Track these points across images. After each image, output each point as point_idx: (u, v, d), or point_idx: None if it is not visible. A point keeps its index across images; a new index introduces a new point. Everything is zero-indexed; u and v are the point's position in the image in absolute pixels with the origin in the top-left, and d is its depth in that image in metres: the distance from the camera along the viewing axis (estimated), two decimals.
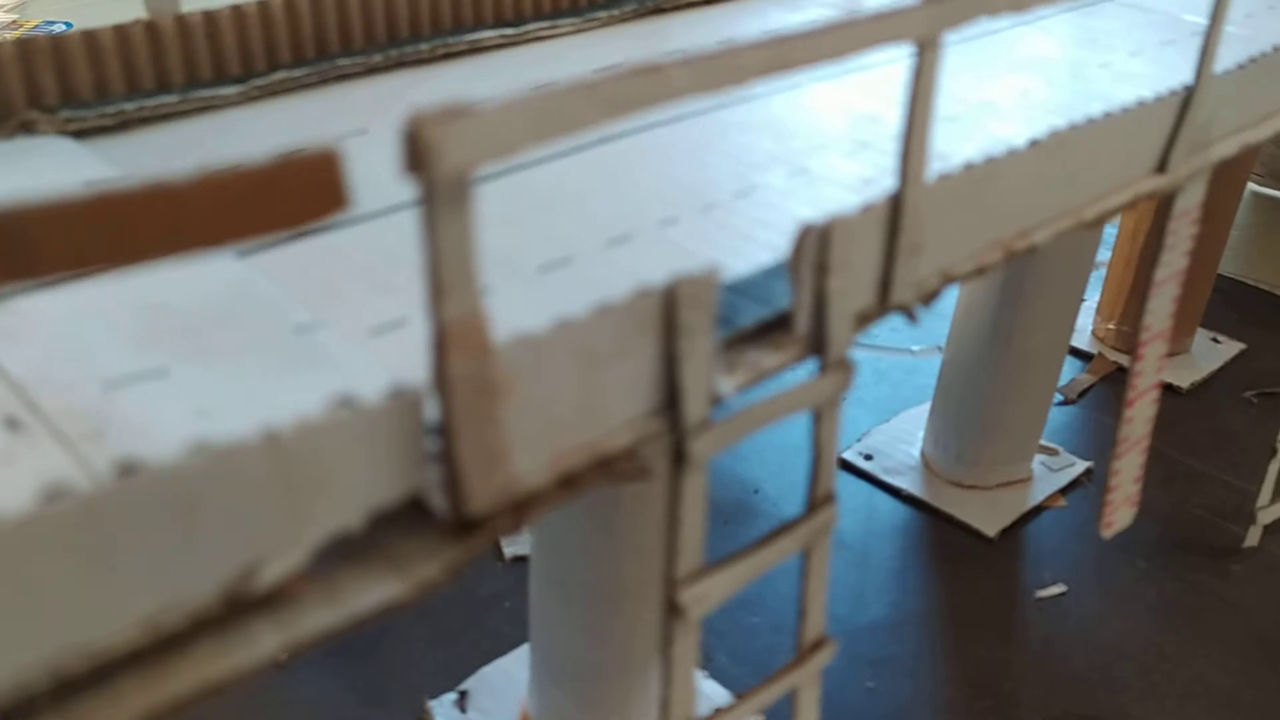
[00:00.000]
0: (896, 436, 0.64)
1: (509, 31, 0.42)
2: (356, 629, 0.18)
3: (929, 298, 0.26)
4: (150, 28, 0.34)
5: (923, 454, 0.62)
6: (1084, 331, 0.74)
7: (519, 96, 0.16)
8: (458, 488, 0.18)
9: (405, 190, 0.29)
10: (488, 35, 0.41)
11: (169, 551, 0.16)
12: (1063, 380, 0.67)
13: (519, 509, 0.19)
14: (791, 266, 0.23)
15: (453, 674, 0.47)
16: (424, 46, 0.40)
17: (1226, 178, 0.65)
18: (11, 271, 0.13)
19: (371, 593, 0.18)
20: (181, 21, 0.35)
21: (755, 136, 0.34)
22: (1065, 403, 0.68)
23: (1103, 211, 0.31)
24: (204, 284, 0.24)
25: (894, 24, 0.22)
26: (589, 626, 0.40)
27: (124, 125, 0.33)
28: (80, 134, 0.32)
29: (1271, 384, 0.70)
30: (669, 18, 0.46)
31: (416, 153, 0.15)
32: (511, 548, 0.54)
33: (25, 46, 0.32)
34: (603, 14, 0.44)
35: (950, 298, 0.60)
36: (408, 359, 0.22)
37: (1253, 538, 0.56)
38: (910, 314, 0.26)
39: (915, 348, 0.71)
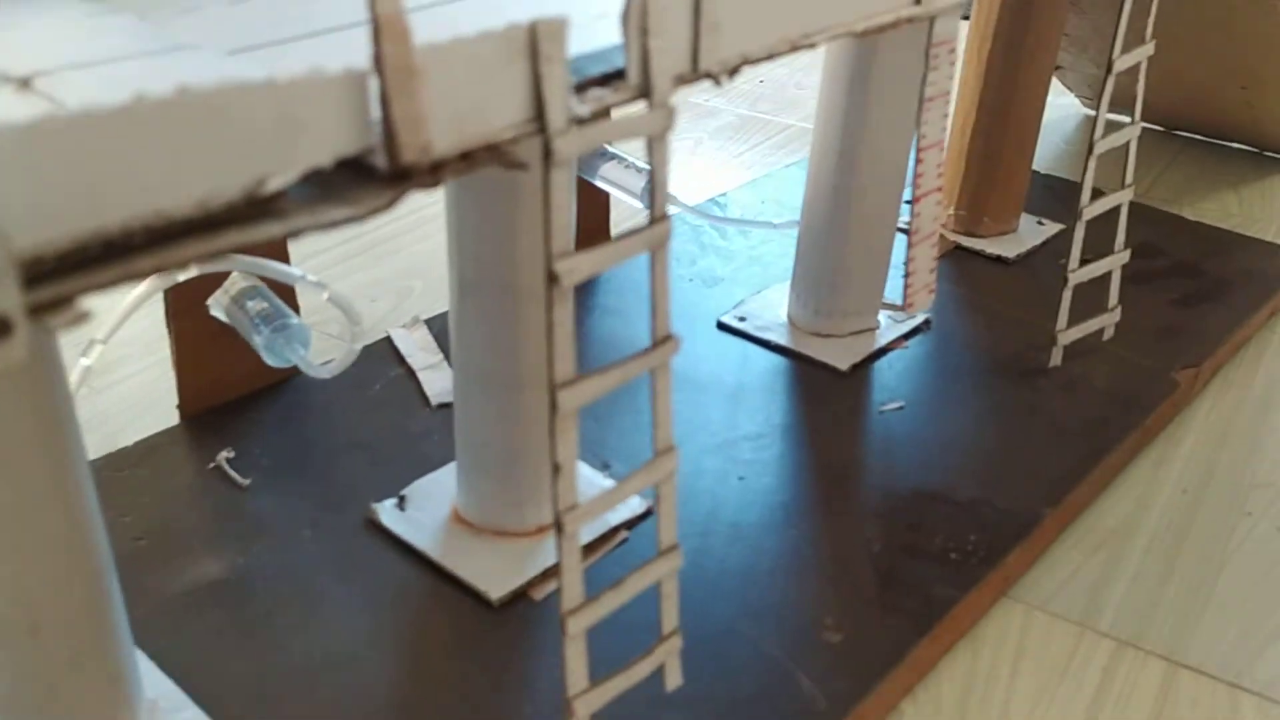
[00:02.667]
0: (767, 303, 0.74)
1: None
2: (327, 229, 0.26)
3: (733, 71, 0.36)
4: None
5: (788, 314, 0.72)
6: None
7: None
8: (392, 144, 0.27)
9: None
10: None
11: (211, 153, 0.24)
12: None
13: (434, 169, 0.28)
14: (622, 25, 0.32)
15: (392, 487, 0.56)
16: None
17: (1033, 67, 0.76)
18: None
19: (338, 211, 0.27)
20: None
21: None
22: None
23: (869, 26, 0.41)
24: None
25: None
26: (502, 411, 0.49)
27: None
28: None
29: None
30: None
31: None
32: (438, 397, 0.63)
33: None
34: None
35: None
36: None
37: (1055, 358, 0.67)
38: (717, 80, 0.36)
39: (776, 221, 0.81)
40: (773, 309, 0.73)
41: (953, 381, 0.67)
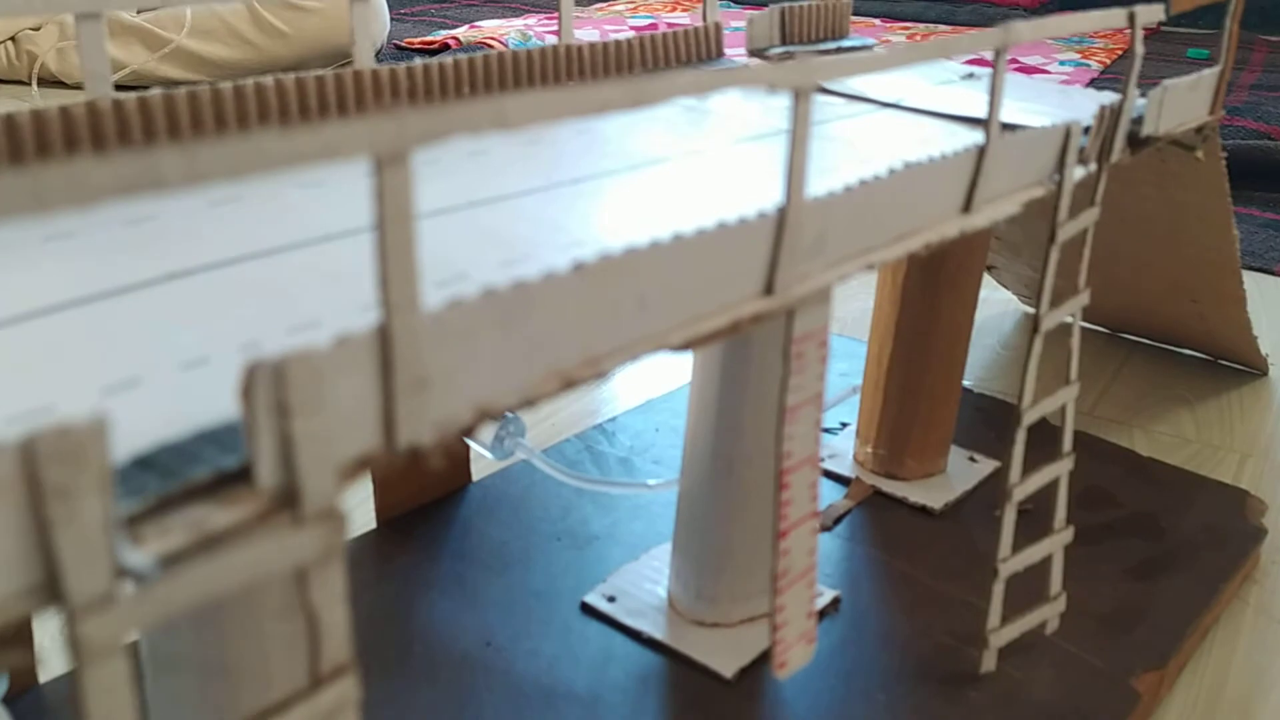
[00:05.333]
0: (644, 575, 0.61)
1: None
2: None
3: (464, 433, 0.24)
4: None
5: (669, 593, 0.59)
6: (845, 457, 0.74)
7: None
8: None
9: None
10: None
11: None
12: (822, 505, 0.66)
13: None
14: (243, 410, 0.20)
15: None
16: None
17: (955, 292, 0.66)
18: None
19: None
20: None
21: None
22: (821, 529, 0.66)
23: (693, 336, 0.29)
24: None
25: (350, 136, 0.20)
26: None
27: None
28: None
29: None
30: None
31: None
32: None
33: None
34: None
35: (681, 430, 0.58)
36: None
37: (989, 662, 0.54)
38: (429, 456, 0.23)
39: (652, 481, 0.69)
40: (649, 585, 0.60)
41: (862, 694, 0.53)
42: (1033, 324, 0.49)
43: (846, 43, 0.68)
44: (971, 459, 0.75)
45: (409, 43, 2.10)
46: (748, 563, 0.56)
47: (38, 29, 1.77)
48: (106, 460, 0.18)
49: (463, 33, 2.08)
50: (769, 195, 0.39)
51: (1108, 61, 2.13)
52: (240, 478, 0.21)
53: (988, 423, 0.80)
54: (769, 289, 0.32)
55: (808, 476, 0.36)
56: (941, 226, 0.39)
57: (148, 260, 0.32)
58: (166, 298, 0.29)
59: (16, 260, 0.31)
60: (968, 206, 0.40)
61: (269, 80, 0.41)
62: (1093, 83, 1.94)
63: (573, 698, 0.52)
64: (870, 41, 0.68)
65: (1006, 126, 0.42)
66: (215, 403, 0.24)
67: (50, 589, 0.18)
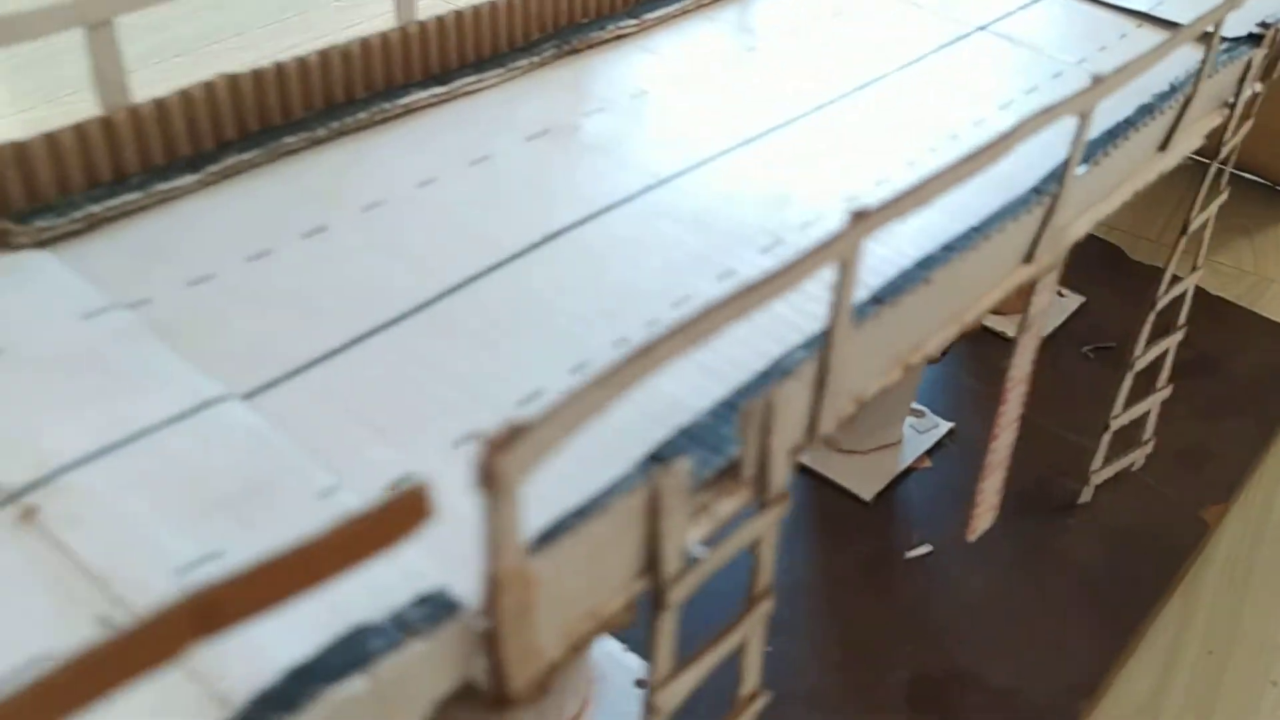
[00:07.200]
0: None
1: (439, 90, 0.44)
2: None
3: (845, 422, 0.32)
4: (106, 123, 0.36)
5: None
6: None
7: (555, 410, 0.20)
8: (500, 679, 0.23)
9: (370, 315, 0.33)
10: (420, 96, 0.43)
11: None
12: None
13: (542, 682, 0.24)
14: (740, 432, 0.27)
15: None
16: (362, 115, 0.42)
17: None
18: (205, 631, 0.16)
19: None
20: (134, 113, 0.36)
21: (680, 229, 0.38)
22: (929, 362, 0.75)
23: (981, 311, 0.36)
24: (227, 445, 0.27)
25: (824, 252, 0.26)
26: None
27: (91, 227, 0.35)
28: (49, 243, 0.34)
29: (1107, 338, 0.79)
30: (582, 59, 0.49)
31: (488, 477, 0.19)
32: None
33: None
34: (523, 61, 0.47)
35: None
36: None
37: (1086, 495, 0.64)
38: (831, 441, 0.31)
39: None
40: None
41: None
42: (1182, 226, 0.55)
43: None
44: (1060, 293, 0.82)
45: None
46: (879, 398, 0.65)
47: None
48: (689, 488, 0.26)
49: None
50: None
51: None
52: (725, 472, 0.28)
53: (1072, 255, 0.87)
54: (1029, 258, 0.38)
55: (1020, 391, 0.43)
56: (1144, 172, 0.45)
57: None
58: None
59: None
60: (1164, 146, 0.46)
61: None
62: None
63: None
64: None
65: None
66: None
67: (650, 572, 0.26)
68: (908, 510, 0.64)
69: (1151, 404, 0.63)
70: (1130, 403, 0.62)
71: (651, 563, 0.26)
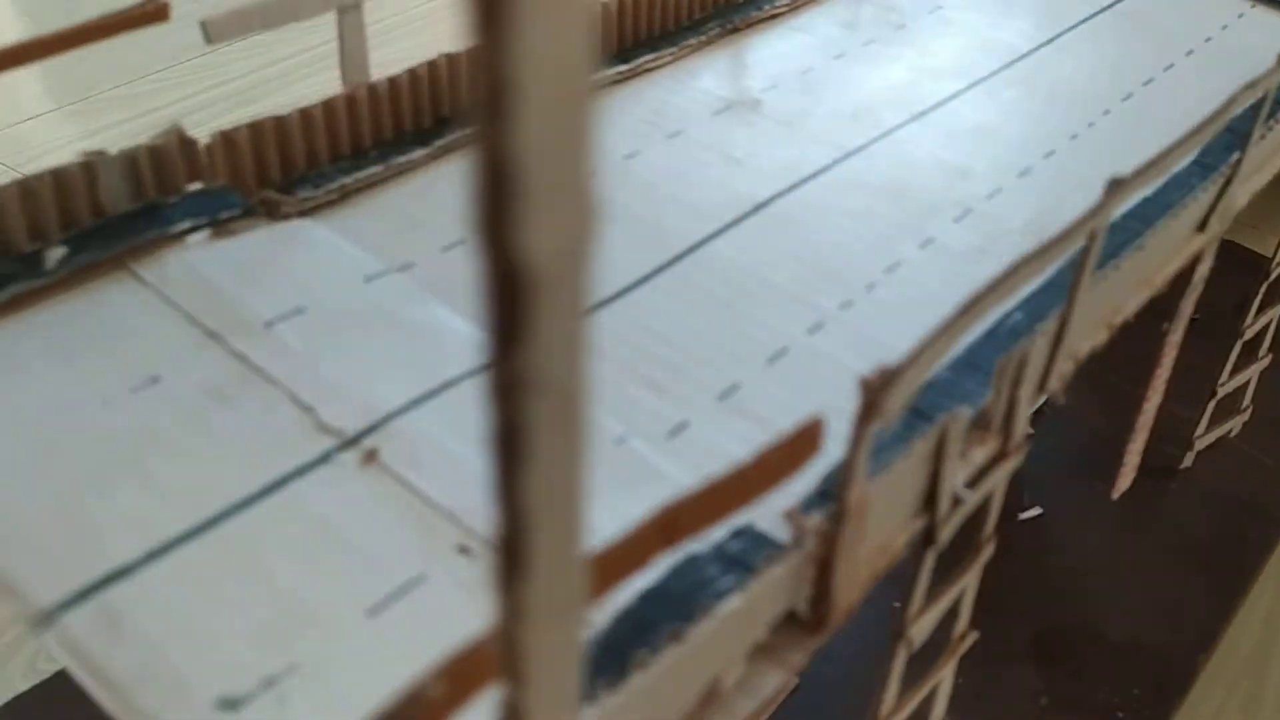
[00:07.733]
0: None
1: (622, 68, 0.46)
2: (764, 712, 0.25)
3: (1065, 383, 0.34)
4: (350, 100, 0.38)
5: None
6: None
7: (914, 357, 0.22)
8: (824, 607, 0.25)
9: (630, 270, 0.35)
10: (606, 74, 0.45)
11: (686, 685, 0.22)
12: None
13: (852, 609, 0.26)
14: (995, 387, 0.30)
15: None
16: None
17: None
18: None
19: (768, 683, 0.25)
20: (372, 90, 0.39)
21: (874, 199, 0.40)
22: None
23: (1168, 276, 0.38)
24: None
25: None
26: None
27: (344, 197, 0.37)
28: (309, 212, 0.36)
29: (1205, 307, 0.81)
30: (743, 36, 0.51)
31: (871, 411, 0.21)
32: None
33: (258, 128, 0.36)
34: (692, 40, 0.49)
35: None
36: (704, 464, 0.28)
37: (1187, 460, 0.67)
38: (1055, 399, 0.33)
39: None
40: None
41: (1084, 483, 0.66)
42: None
43: None
44: None
45: None
46: None
47: None
48: (965, 434, 0.28)
49: None
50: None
51: None
52: (975, 423, 0.31)
53: None
54: (1203, 226, 0.41)
55: (1173, 356, 0.46)
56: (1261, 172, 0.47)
57: None
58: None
59: None
60: None
61: None
62: None
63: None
64: None
65: None
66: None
67: (927, 510, 0.28)
68: (1016, 474, 0.66)
69: (1252, 373, 0.66)
70: (1234, 371, 0.64)
71: (928, 502, 0.28)
